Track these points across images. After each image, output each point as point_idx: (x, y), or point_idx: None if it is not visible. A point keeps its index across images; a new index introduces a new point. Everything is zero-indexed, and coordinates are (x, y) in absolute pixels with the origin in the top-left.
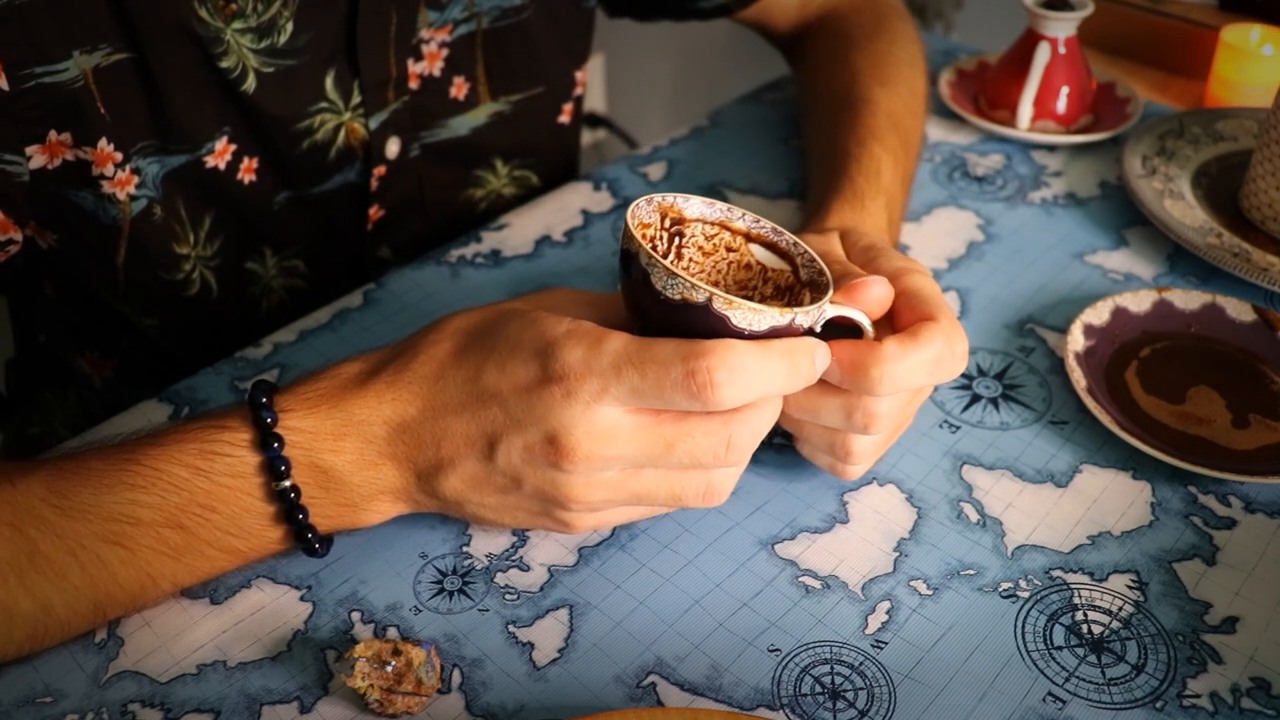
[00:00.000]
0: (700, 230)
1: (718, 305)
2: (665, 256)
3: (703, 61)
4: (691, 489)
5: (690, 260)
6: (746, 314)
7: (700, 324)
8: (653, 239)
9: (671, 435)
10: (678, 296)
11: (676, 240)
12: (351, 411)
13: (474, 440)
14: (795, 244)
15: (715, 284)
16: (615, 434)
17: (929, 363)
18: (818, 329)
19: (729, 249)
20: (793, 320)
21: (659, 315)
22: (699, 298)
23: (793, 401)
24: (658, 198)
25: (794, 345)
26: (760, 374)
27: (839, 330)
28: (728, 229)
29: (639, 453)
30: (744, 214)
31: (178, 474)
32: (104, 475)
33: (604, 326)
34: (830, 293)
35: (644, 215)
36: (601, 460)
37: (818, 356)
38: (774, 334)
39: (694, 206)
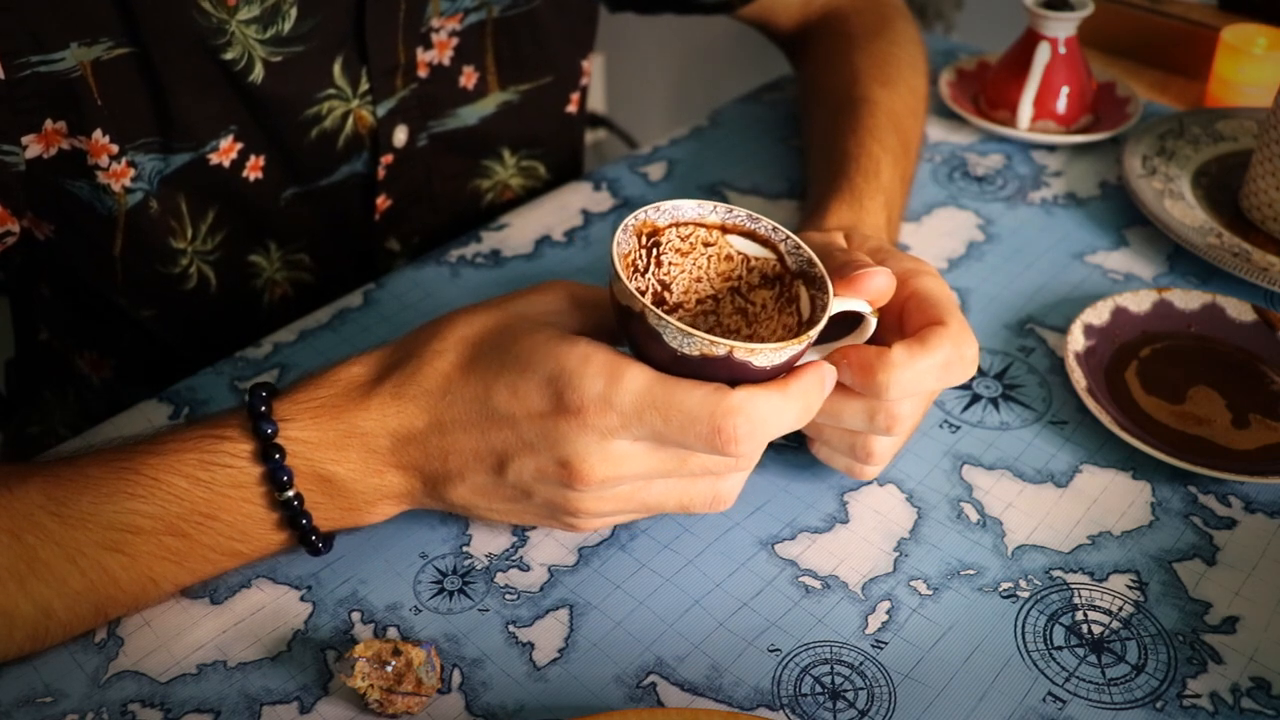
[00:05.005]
0: (675, 234)
1: (739, 355)
2: (645, 270)
3: (703, 61)
4: (700, 498)
5: (670, 264)
6: (768, 355)
7: (720, 370)
8: (633, 261)
9: (685, 450)
10: (696, 353)
11: (654, 250)
12: (354, 423)
13: (483, 456)
14: (775, 229)
15: (698, 280)
16: (629, 458)
17: (937, 368)
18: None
19: (705, 244)
20: (809, 343)
21: (674, 366)
22: (719, 352)
23: None
24: (632, 223)
25: (808, 387)
26: (779, 421)
27: (846, 324)
28: (702, 225)
29: (653, 469)
30: (715, 206)
31: (177, 484)
32: (103, 484)
33: (602, 332)
34: (830, 294)
35: (626, 248)
36: (615, 480)
37: (826, 384)
38: (791, 361)
39: (665, 215)
